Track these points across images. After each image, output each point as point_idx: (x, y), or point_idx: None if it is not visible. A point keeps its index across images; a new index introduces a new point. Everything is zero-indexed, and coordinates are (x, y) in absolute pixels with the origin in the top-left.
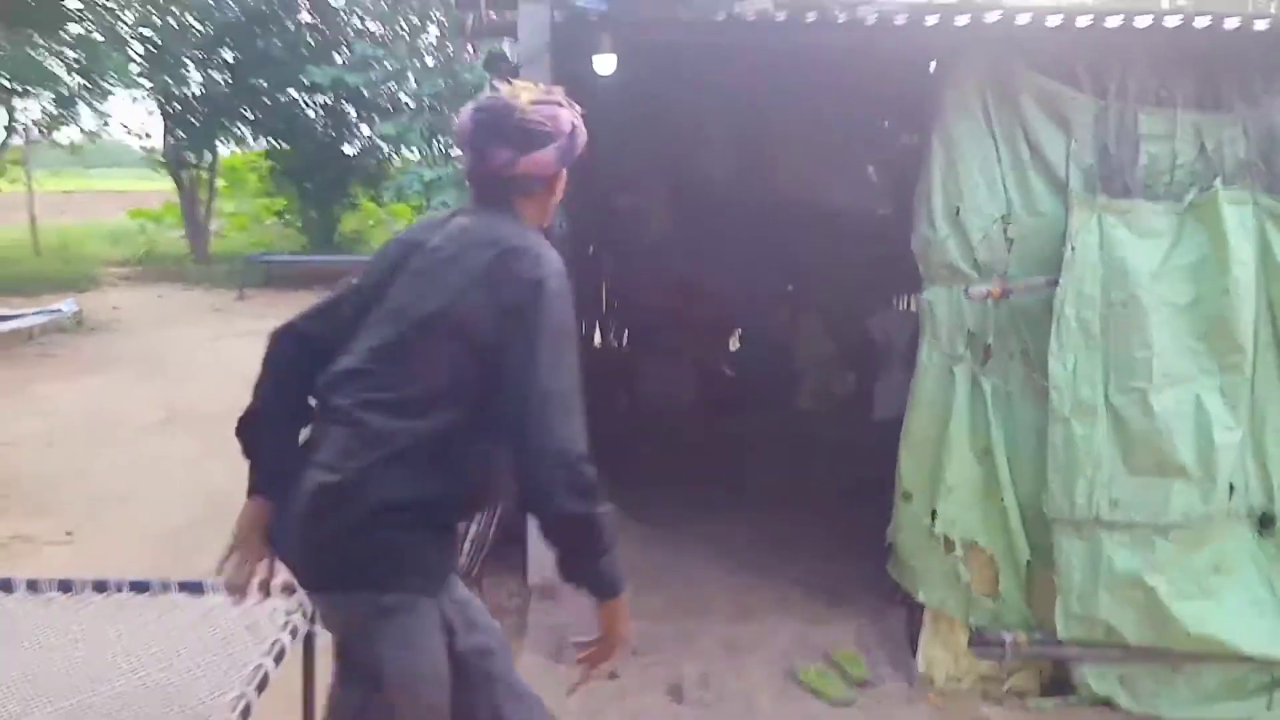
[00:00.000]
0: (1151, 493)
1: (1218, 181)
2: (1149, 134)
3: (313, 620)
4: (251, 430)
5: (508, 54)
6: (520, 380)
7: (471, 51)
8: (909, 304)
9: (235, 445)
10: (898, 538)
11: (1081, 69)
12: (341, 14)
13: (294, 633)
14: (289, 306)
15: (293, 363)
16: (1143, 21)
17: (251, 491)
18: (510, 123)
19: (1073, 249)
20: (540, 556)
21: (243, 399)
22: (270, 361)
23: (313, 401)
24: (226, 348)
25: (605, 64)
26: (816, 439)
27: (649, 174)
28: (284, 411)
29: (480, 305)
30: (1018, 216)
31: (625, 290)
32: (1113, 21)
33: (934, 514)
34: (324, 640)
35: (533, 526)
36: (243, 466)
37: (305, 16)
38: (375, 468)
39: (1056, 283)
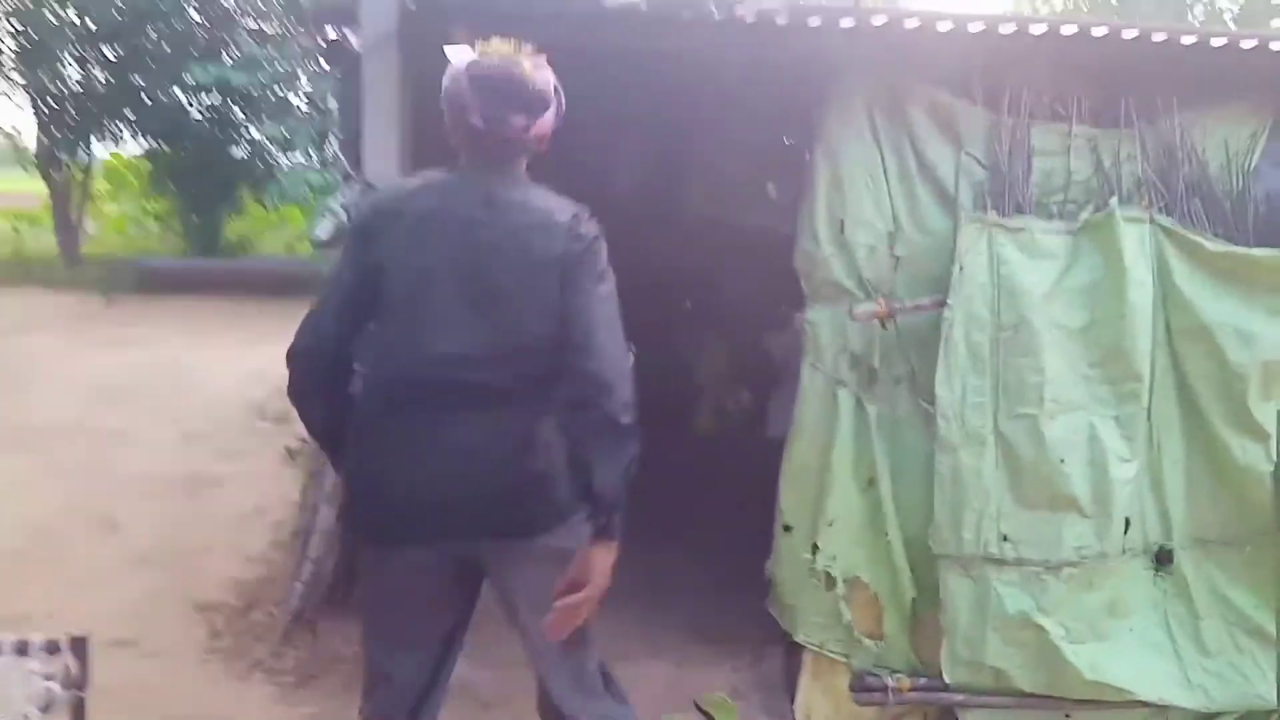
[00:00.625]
0: (1043, 528)
1: (1113, 200)
2: (1042, 149)
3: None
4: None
5: (353, 42)
6: (590, 312)
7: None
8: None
9: (73, 464)
10: (777, 573)
11: (974, 80)
12: (232, 12)
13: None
14: (160, 314)
15: (341, 366)
16: (1038, 29)
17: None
18: (524, 90)
19: (961, 268)
20: None
21: (90, 415)
22: (322, 374)
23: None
24: (81, 358)
25: (460, 54)
26: (709, 460)
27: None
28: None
29: (561, 268)
30: (905, 233)
31: None
32: (1006, 28)
33: (815, 548)
34: None
35: None
36: (80, 489)
37: (193, 14)
38: (532, 431)
39: (945, 303)
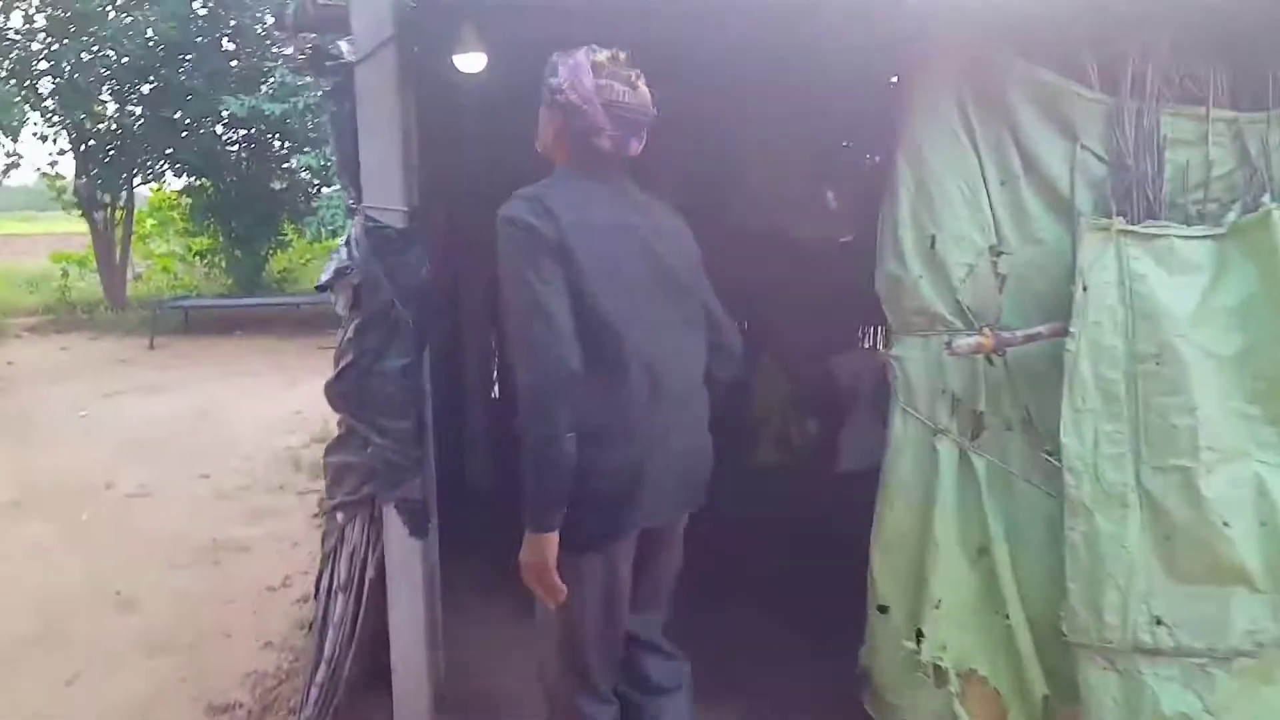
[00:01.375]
0: (1206, 608)
1: (1266, 197)
2: (1174, 138)
3: None
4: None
5: (345, 51)
6: (714, 296)
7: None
8: (876, 341)
9: (95, 530)
10: (873, 664)
11: (1087, 55)
12: (268, 40)
13: None
14: (202, 356)
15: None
16: None
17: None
18: (648, 117)
19: (1085, 288)
20: (408, 694)
21: (118, 471)
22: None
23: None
24: (115, 407)
25: (471, 63)
26: (774, 499)
27: None
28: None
29: (699, 260)
30: (1011, 248)
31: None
32: None
33: (919, 634)
34: None
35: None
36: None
37: (227, 44)
38: (708, 410)
39: (1066, 331)
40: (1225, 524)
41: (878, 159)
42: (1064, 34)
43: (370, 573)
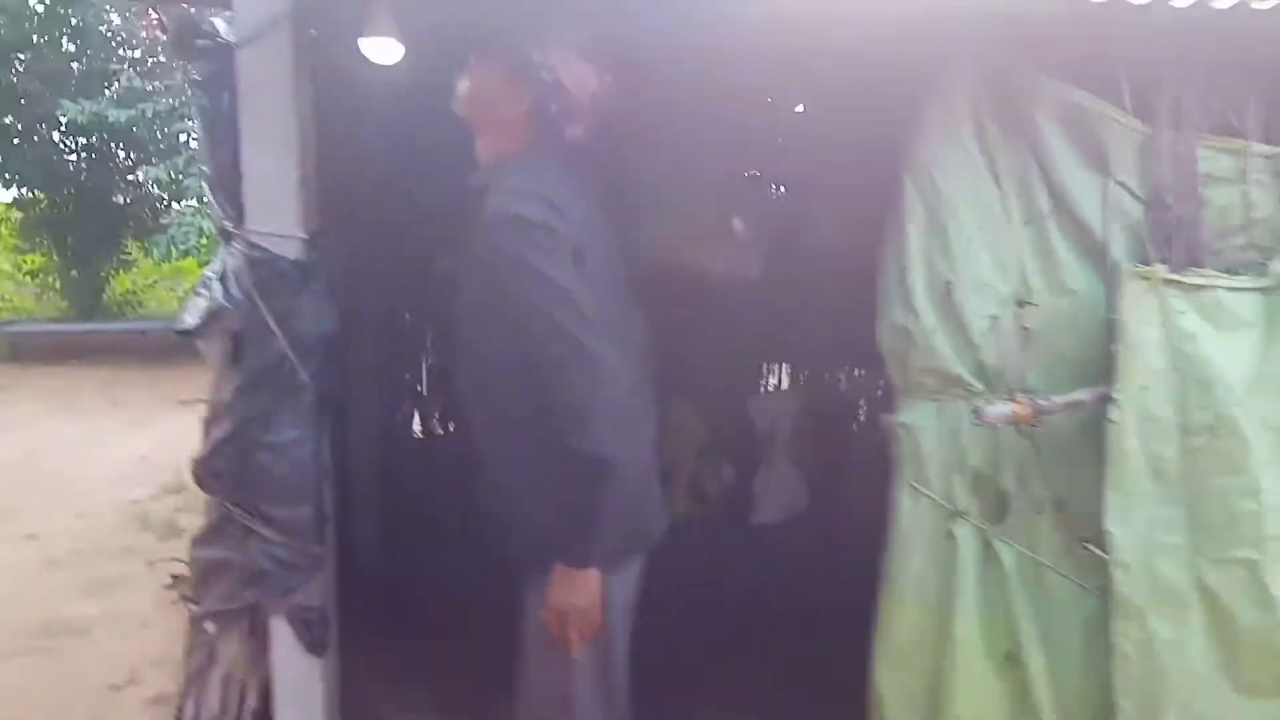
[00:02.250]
0: None
1: None
2: (1213, 175)
3: None
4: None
5: (222, 30)
6: None
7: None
8: (794, 379)
9: None
10: None
11: (1122, 76)
12: (113, 42)
13: None
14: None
15: None
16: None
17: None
18: None
19: (1129, 347)
20: None
21: None
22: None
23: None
24: None
25: (383, 51)
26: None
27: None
28: None
29: None
30: (1037, 296)
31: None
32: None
33: None
34: None
35: None
36: None
37: (68, 44)
38: None
39: (1110, 398)
40: None
41: (783, 189)
42: (1096, 51)
43: (252, 701)
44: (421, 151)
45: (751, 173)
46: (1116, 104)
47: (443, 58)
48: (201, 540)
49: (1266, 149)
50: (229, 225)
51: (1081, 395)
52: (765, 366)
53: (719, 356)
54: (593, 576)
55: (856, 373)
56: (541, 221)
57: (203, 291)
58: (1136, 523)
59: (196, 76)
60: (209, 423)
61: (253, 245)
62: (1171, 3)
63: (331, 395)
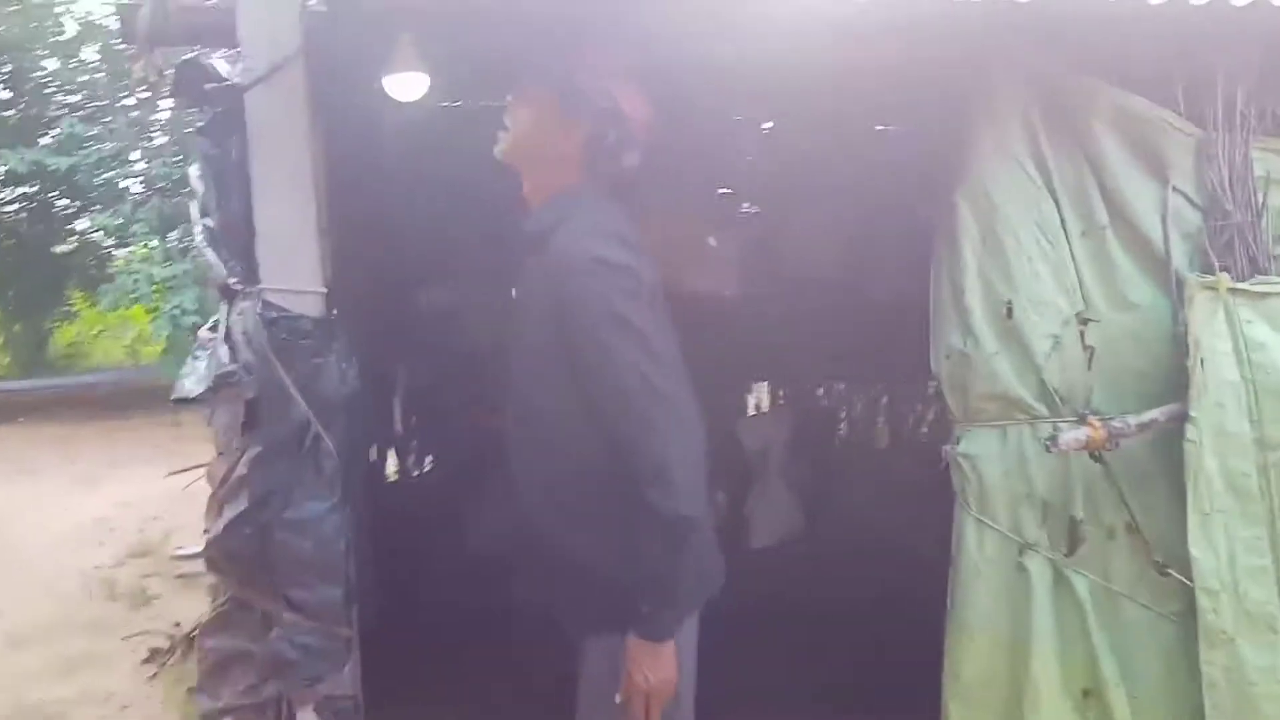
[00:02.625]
0: None
1: None
2: (1266, 178)
3: None
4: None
5: (219, 70)
6: None
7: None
8: (781, 398)
9: None
10: None
11: (1177, 80)
12: (49, 86)
13: None
14: None
15: None
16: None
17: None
18: None
19: (1201, 362)
20: None
21: None
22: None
23: None
24: None
25: (408, 87)
26: None
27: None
28: None
29: None
30: (1099, 313)
31: (433, 405)
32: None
33: None
34: None
35: None
36: None
37: (2, 92)
38: None
39: (1186, 417)
40: None
41: (755, 209)
42: (1146, 53)
43: None
44: (436, 192)
45: (725, 190)
46: (1170, 108)
47: (464, 92)
48: (211, 629)
49: None
50: (234, 282)
51: (1155, 414)
52: (750, 387)
53: (701, 378)
54: (671, 647)
55: (841, 388)
56: (624, 265)
57: (201, 354)
58: (1219, 545)
59: (200, 122)
60: (219, 500)
61: (268, 304)
62: (1232, 1)
63: (356, 462)
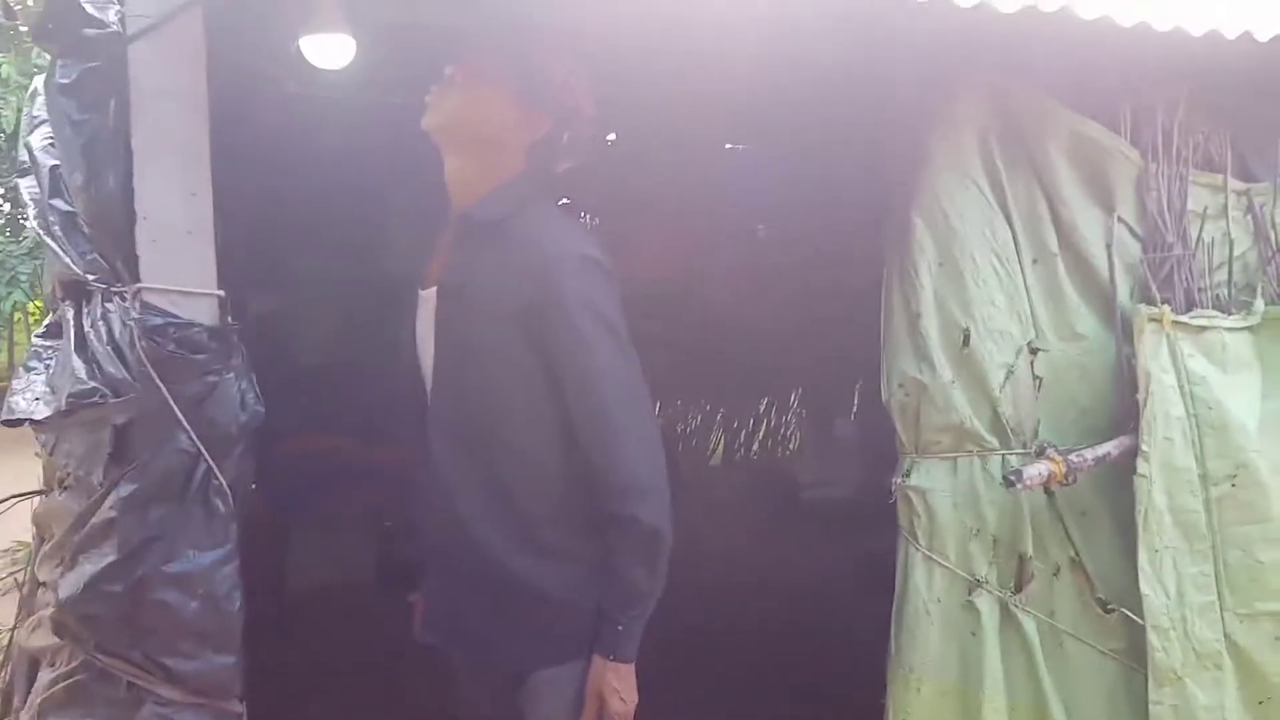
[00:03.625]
0: None
1: None
2: (1197, 211)
3: None
4: None
5: (86, 9)
6: None
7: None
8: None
9: None
10: None
11: (1124, 108)
12: None
13: None
14: None
15: None
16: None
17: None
18: None
19: (1149, 395)
20: None
21: None
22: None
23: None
24: None
25: (329, 52)
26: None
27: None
28: None
29: None
30: (1048, 342)
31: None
32: (1165, 25)
33: None
34: None
35: None
36: None
37: None
38: None
39: (1139, 450)
40: None
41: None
42: (1098, 78)
43: None
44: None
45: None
46: (1118, 133)
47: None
48: (55, 705)
49: (1240, 184)
50: (93, 279)
51: (1109, 448)
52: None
53: None
54: (632, 669)
55: (678, 403)
56: (610, 267)
57: (37, 365)
58: (1169, 583)
59: (63, 80)
60: (69, 547)
61: (149, 306)
62: (1154, 27)
63: (247, 502)
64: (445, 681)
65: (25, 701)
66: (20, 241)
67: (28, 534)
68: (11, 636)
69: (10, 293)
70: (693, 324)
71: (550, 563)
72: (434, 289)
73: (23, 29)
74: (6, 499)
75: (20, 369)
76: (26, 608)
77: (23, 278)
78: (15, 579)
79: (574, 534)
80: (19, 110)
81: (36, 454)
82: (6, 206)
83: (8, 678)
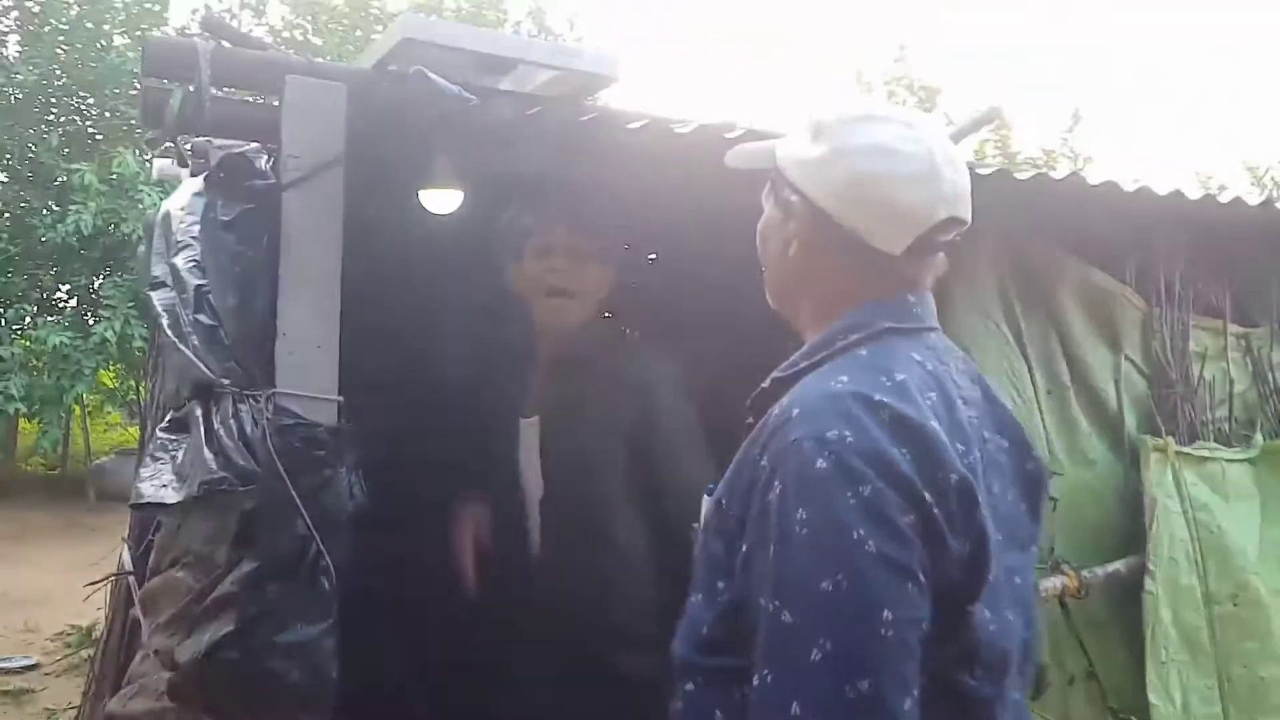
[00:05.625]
0: None
1: None
2: (1199, 351)
3: None
4: None
5: (252, 161)
6: None
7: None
8: None
9: None
10: None
11: (1129, 259)
12: None
13: None
14: None
15: None
16: (1193, 193)
17: None
18: None
19: (1154, 518)
20: None
21: None
22: None
23: None
24: None
25: (443, 201)
26: None
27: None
28: None
29: None
30: (1062, 467)
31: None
32: (1165, 188)
33: None
34: None
35: None
36: None
37: None
38: None
39: (1145, 569)
40: None
41: None
42: (1104, 234)
43: None
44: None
45: None
46: (1124, 282)
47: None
48: None
49: (1239, 329)
50: (228, 383)
51: (1118, 565)
52: None
53: None
54: None
55: None
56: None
57: (164, 456)
58: (1174, 694)
59: (224, 217)
60: (185, 619)
61: (281, 409)
62: (1153, 190)
63: (349, 582)
64: None
65: None
66: (88, 339)
67: (78, 619)
68: (79, 712)
69: (73, 385)
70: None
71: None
72: (535, 418)
73: (98, 138)
74: (102, 579)
75: (146, 459)
76: (107, 679)
77: (86, 372)
78: (69, 660)
79: None
80: (95, 214)
81: (123, 538)
82: (74, 302)
83: None
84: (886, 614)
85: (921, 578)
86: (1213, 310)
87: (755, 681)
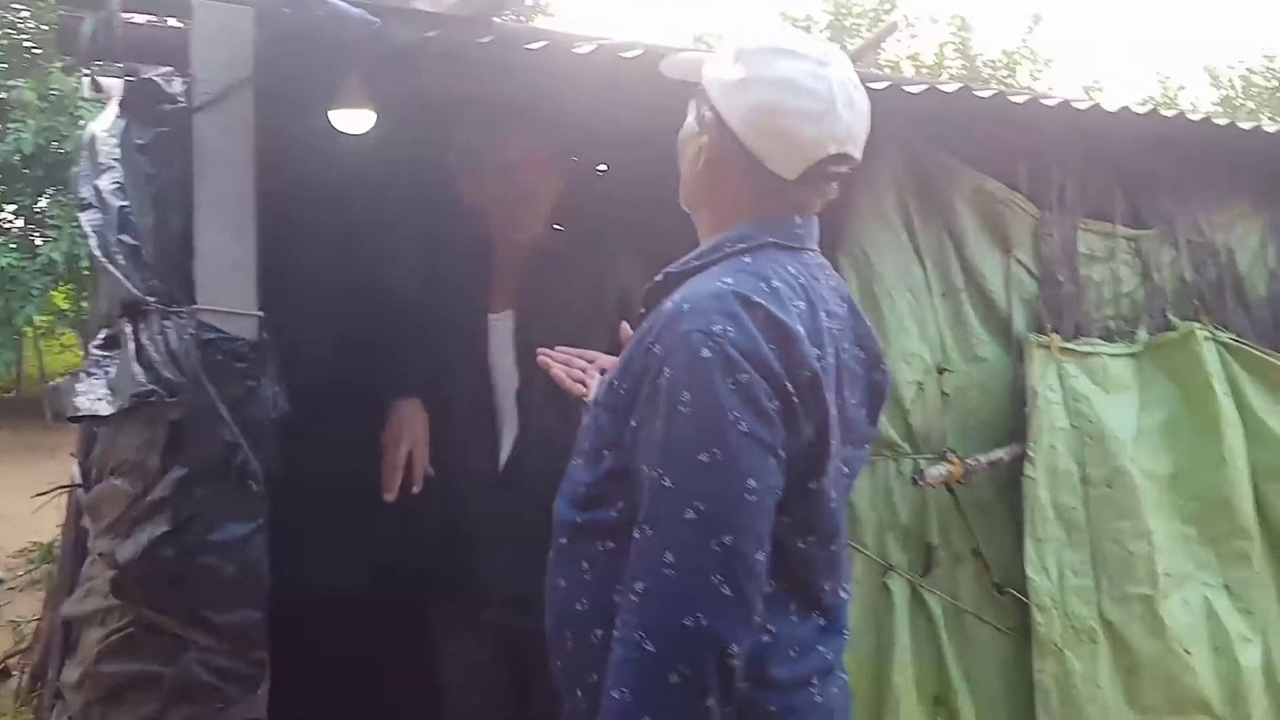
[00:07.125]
0: None
1: (1179, 317)
2: (1088, 254)
3: None
4: None
5: (162, 85)
6: None
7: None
8: None
9: None
10: None
11: (1021, 167)
12: None
13: None
14: None
15: None
16: (1081, 104)
17: None
18: None
19: (1036, 409)
20: None
21: None
22: None
23: None
24: None
25: (354, 121)
26: None
27: None
28: None
29: None
30: (954, 364)
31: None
32: (1051, 100)
33: None
34: None
35: None
36: None
37: None
38: None
39: (1025, 456)
40: (1187, 651)
41: None
42: (998, 142)
43: None
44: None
45: None
46: (1015, 190)
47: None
48: (109, 654)
49: (1129, 231)
50: (155, 301)
51: (1001, 453)
52: None
53: None
54: None
55: None
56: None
57: (97, 371)
58: (1051, 569)
59: (140, 140)
60: (129, 520)
61: (203, 324)
62: (1042, 101)
63: (276, 484)
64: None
65: (60, 671)
66: (35, 259)
67: (39, 536)
68: (38, 626)
69: (23, 307)
70: None
71: None
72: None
73: (36, 52)
74: (49, 490)
75: (81, 374)
76: (64, 587)
77: (35, 293)
78: (31, 576)
79: None
80: (35, 132)
81: (72, 454)
82: (19, 222)
83: (37, 659)
84: (751, 482)
85: (781, 454)
86: (1105, 215)
87: (636, 535)
